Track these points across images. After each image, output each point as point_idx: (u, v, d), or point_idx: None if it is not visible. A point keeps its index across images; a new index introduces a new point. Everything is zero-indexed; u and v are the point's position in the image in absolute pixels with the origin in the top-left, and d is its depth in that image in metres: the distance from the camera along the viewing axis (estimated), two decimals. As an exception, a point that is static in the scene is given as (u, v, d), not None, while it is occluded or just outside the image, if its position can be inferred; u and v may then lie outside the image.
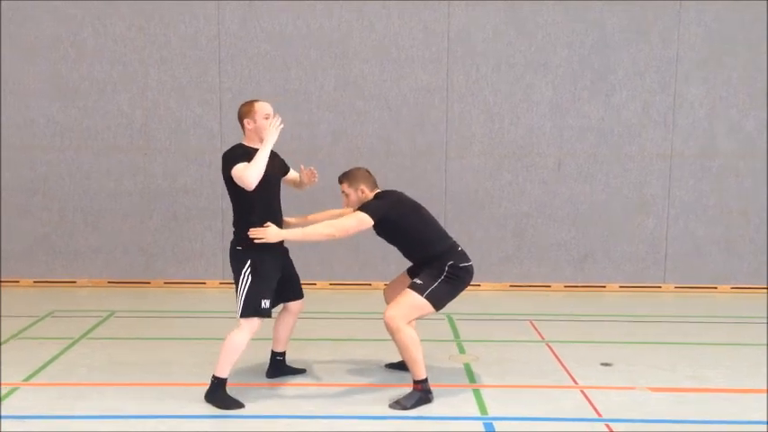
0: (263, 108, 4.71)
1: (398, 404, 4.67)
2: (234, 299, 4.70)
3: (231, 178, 4.59)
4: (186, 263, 7.99)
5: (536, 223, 7.99)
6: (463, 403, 4.78)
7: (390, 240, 4.95)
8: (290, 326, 5.16)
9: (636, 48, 7.75)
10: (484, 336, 6.32)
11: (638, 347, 6.02)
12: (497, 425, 4.44)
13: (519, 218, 7.98)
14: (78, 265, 7.96)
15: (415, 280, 4.80)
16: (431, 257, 4.83)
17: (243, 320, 4.62)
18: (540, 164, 7.91)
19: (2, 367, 5.34)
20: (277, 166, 4.87)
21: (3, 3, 7.62)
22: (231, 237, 4.78)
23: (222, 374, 4.65)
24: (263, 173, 4.52)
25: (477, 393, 4.95)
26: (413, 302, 4.68)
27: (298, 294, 5.08)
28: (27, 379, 5.12)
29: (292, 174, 5.13)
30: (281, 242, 4.80)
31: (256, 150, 4.63)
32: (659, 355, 5.80)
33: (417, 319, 4.77)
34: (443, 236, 4.95)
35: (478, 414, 4.61)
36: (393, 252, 7.95)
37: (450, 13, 7.70)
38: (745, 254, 7.98)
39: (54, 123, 7.79)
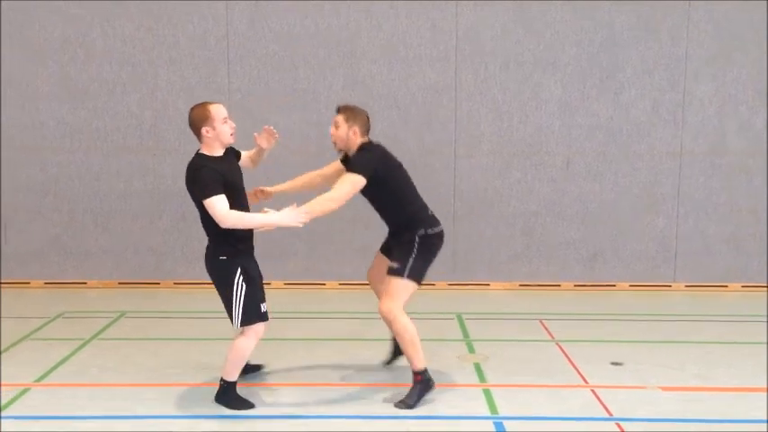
0: (219, 112, 4.48)
1: (403, 403, 4.67)
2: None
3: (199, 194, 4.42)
4: (196, 263, 7.97)
5: (545, 222, 7.97)
6: (473, 402, 4.79)
7: (371, 197, 4.84)
8: None
9: (645, 46, 7.72)
10: (493, 335, 6.31)
11: (649, 346, 6.00)
12: (507, 424, 4.44)
13: (528, 216, 7.97)
14: (89, 266, 8.00)
15: (391, 265, 4.78)
16: (404, 222, 4.81)
17: (246, 328, 4.56)
18: (548, 162, 7.90)
19: (13, 368, 5.38)
20: (235, 162, 4.74)
21: (13, 5, 7.65)
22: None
23: (231, 378, 4.65)
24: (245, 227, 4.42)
25: (486, 393, 4.95)
26: (399, 287, 4.71)
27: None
28: (39, 380, 5.15)
29: (243, 154, 4.97)
30: (253, 243, 4.67)
31: (219, 159, 4.50)
32: (669, 354, 5.78)
33: (409, 298, 4.78)
34: (417, 197, 4.92)
35: (488, 413, 4.61)
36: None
37: (458, 12, 7.70)
38: (755, 252, 7.93)
39: (64, 125, 7.83)
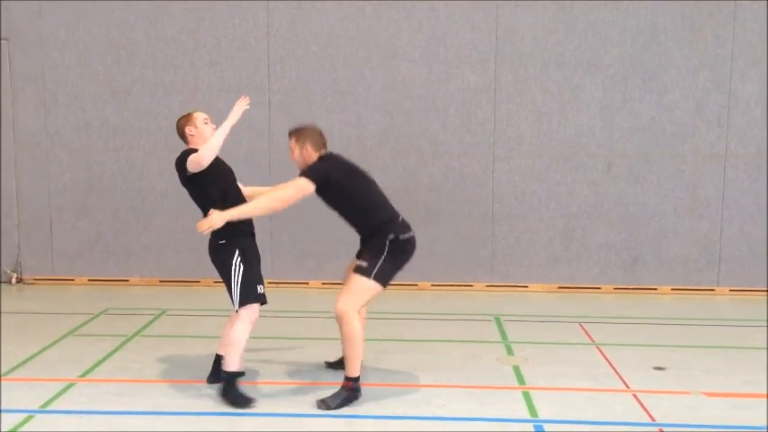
0: (200, 115, 4.88)
1: (324, 403, 4.64)
2: (227, 296, 4.72)
3: (190, 179, 4.67)
4: (235, 262, 8.07)
5: (585, 224, 7.88)
6: (513, 405, 4.75)
7: (332, 205, 4.83)
8: None
9: (689, 46, 7.59)
10: (532, 338, 6.26)
11: (692, 351, 5.90)
12: (548, 427, 4.40)
13: (567, 219, 7.88)
14: (131, 264, 8.13)
15: (359, 263, 4.73)
16: (372, 227, 4.76)
17: (242, 311, 4.66)
18: (589, 165, 7.81)
19: (59, 363, 5.52)
20: (229, 168, 4.90)
21: (58, 7, 7.81)
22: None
23: (233, 368, 4.70)
24: (219, 147, 4.59)
25: (526, 395, 4.91)
26: (361, 288, 4.66)
27: None
28: (83, 375, 5.25)
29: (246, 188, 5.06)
30: (252, 225, 4.82)
31: None
32: (713, 360, 5.68)
33: (370, 301, 4.78)
34: (385, 203, 4.87)
35: (528, 416, 4.58)
36: (438, 252, 7.95)
37: (498, 13, 7.65)
38: (803, 257, 7.75)
39: (108, 125, 7.97)
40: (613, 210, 7.84)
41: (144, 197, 8.05)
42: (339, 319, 4.62)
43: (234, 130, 7.97)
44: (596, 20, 7.62)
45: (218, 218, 4.52)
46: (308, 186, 4.59)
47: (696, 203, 7.78)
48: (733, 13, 7.50)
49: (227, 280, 4.70)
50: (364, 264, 4.69)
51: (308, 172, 4.65)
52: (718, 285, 7.85)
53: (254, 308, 4.69)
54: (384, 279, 4.70)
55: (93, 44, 7.87)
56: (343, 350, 4.72)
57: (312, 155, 4.79)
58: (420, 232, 8.01)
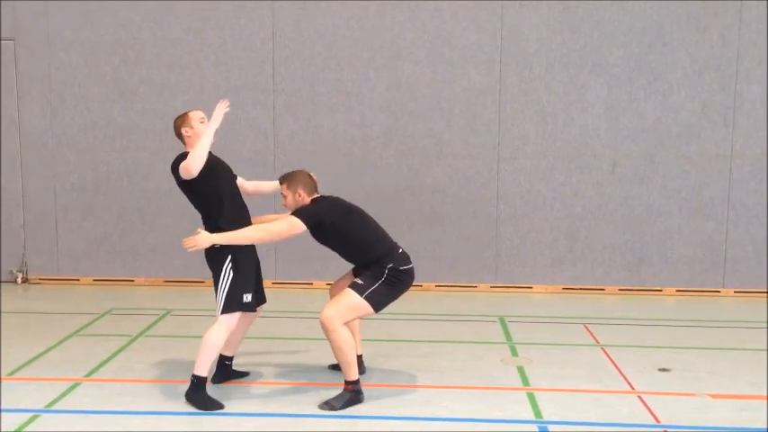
0: (196, 114, 4.85)
1: (328, 405, 4.65)
2: (214, 297, 4.70)
3: (186, 184, 4.65)
4: (240, 262, 8.08)
5: (589, 225, 7.87)
6: (517, 406, 4.75)
7: (328, 245, 4.90)
8: (244, 330, 5.08)
9: (695, 46, 7.57)
10: (536, 339, 6.25)
11: (697, 353, 5.89)
12: (552, 428, 4.40)
13: (572, 219, 7.87)
14: (136, 264, 8.14)
15: (355, 280, 4.77)
16: (370, 261, 4.79)
17: (222, 316, 4.64)
18: (594, 165, 7.79)
19: (64, 363, 5.54)
20: (224, 162, 4.91)
21: (65, 8, 7.84)
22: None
23: (202, 373, 4.67)
24: (206, 155, 4.57)
25: (531, 396, 4.91)
26: (351, 303, 4.66)
27: (262, 299, 5.02)
28: (88, 375, 5.26)
29: (245, 181, 5.10)
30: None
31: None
32: (719, 362, 5.67)
33: (356, 319, 4.79)
34: (382, 238, 4.89)
35: (533, 417, 4.57)
36: (443, 252, 7.95)
37: (503, 13, 7.65)
38: (809, 258, 7.72)
39: (114, 125, 7.98)
40: (618, 210, 7.83)
41: (150, 197, 8.06)
42: (324, 327, 4.63)
43: (239, 130, 8.06)
44: (601, 20, 7.61)
45: (204, 239, 4.56)
46: (299, 226, 4.65)
47: (701, 204, 7.76)
48: (739, 14, 7.48)
49: (215, 284, 4.69)
50: (360, 281, 4.73)
51: (300, 213, 4.71)
52: (723, 287, 7.83)
53: (235, 315, 4.67)
54: (376, 301, 4.71)
55: (100, 44, 7.89)
56: (335, 357, 4.74)
57: (305, 199, 4.85)
58: (424, 233, 8.07)
